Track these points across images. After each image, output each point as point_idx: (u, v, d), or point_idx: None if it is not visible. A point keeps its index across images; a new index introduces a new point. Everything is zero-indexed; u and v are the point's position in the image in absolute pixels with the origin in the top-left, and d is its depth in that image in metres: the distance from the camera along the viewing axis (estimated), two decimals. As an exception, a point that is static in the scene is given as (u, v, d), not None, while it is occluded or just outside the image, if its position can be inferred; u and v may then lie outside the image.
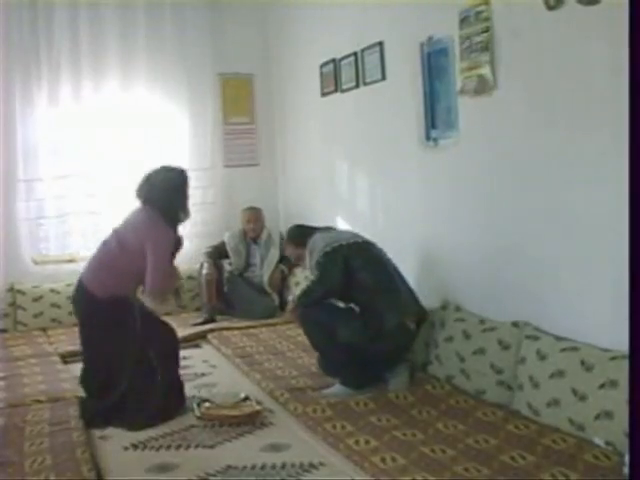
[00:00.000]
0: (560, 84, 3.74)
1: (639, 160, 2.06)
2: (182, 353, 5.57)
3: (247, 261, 6.86)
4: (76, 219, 6.89)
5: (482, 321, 4.27)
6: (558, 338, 3.73)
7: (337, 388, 4.31)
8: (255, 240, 6.90)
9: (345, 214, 6.16)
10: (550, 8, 3.68)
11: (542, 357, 3.68)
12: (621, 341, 3.27)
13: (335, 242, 4.53)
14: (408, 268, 4.51)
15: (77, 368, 5.19)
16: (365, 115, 5.76)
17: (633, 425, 1.99)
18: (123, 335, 4.15)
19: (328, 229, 4.96)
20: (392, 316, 4.29)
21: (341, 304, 4.59)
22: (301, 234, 4.88)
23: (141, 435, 3.84)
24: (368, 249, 4.58)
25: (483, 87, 4.26)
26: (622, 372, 3.20)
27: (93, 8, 6.77)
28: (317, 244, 4.58)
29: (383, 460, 3.26)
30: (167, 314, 6.76)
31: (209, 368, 5.21)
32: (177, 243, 4.40)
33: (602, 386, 3.30)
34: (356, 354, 4.32)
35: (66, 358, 5.45)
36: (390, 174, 5.46)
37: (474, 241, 4.54)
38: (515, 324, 4.02)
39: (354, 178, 6.05)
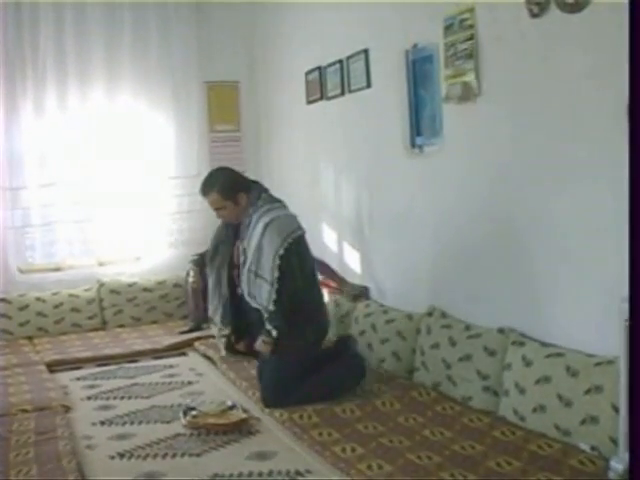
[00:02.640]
0: (544, 91, 3.76)
1: (639, 161, 2.08)
2: (168, 361, 5.62)
3: (233, 269, 6.86)
4: (62, 227, 6.85)
5: (468, 327, 4.28)
6: (543, 344, 3.75)
7: None
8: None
9: (330, 220, 6.16)
10: (534, 16, 3.71)
11: (528, 363, 3.69)
12: (606, 347, 3.31)
13: (296, 228, 4.35)
14: (393, 273, 4.52)
15: (63, 377, 5.22)
16: (350, 122, 5.77)
17: (633, 426, 2.00)
18: None
19: (264, 192, 4.52)
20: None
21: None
22: (234, 184, 4.47)
23: (127, 444, 3.83)
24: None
25: (468, 94, 4.28)
26: (607, 377, 3.23)
27: (78, 17, 6.75)
28: (275, 224, 4.26)
29: (370, 467, 3.25)
30: (153, 322, 6.82)
31: (195, 376, 5.19)
32: None
33: (587, 392, 3.31)
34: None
35: (52, 367, 5.43)
36: (375, 181, 5.47)
37: (459, 247, 4.55)
38: (501, 330, 4.03)
39: (340, 185, 6.06)
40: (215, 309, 4.78)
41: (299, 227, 4.39)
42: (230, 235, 4.66)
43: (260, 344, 4.36)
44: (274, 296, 4.20)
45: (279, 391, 4.19)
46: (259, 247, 4.25)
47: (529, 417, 3.59)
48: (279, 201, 4.51)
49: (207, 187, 4.51)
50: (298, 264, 4.28)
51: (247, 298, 4.39)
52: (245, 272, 4.35)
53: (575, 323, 3.66)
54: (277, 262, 4.19)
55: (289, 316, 4.24)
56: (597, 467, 3.07)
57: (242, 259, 4.44)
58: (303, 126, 6.64)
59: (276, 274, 4.19)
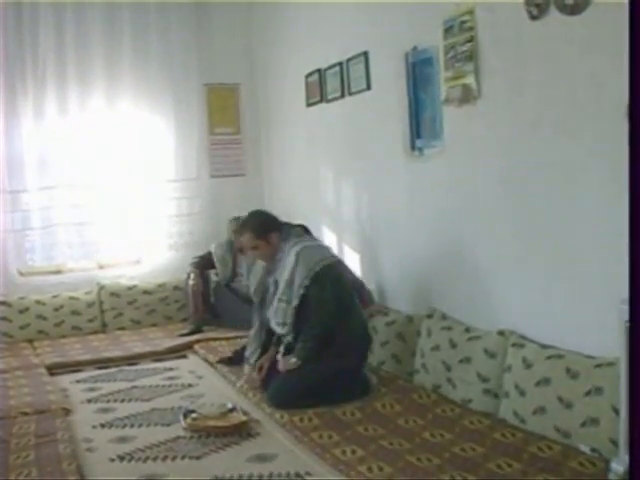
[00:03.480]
0: (543, 93, 3.76)
1: (639, 161, 2.08)
2: (168, 364, 5.62)
3: (233, 271, 6.86)
4: (62, 230, 6.85)
5: (468, 329, 4.28)
6: (543, 346, 3.75)
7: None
8: (242, 250, 6.90)
9: (331, 223, 6.16)
10: (533, 18, 3.71)
11: (528, 365, 3.69)
12: (606, 348, 3.30)
13: (325, 257, 4.40)
14: (393, 275, 4.52)
15: (63, 380, 5.22)
16: (350, 125, 5.77)
17: (633, 427, 2.00)
18: None
19: (294, 229, 4.60)
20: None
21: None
22: (265, 225, 4.54)
23: (127, 447, 3.83)
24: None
25: (467, 96, 4.28)
26: (607, 379, 3.23)
27: (79, 21, 6.77)
28: (305, 252, 4.33)
29: (370, 469, 3.25)
30: (153, 325, 6.82)
31: (195, 379, 5.19)
32: None
33: (588, 393, 3.31)
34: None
35: (52, 370, 5.43)
36: (375, 183, 5.47)
37: (459, 249, 4.55)
38: (501, 332, 4.02)
39: (340, 187, 6.06)
40: (253, 351, 4.78)
41: (329, 256, 4.43)
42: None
43: (286, 363, 4.36)
44: (290, 320, 4.32)
45: (294, 394, 4.20)
46: (291, 276, 4.31)
47: (529, 419, 3.59)
48: (310, 234, 4.59)
49: (242, 228, 4.66)
50: (329, 293, 4.29)
51: (274, 327, 4.46)
52: (276, 301, 4.40)
53: (575, 325, 3.65)
54: (301, 292, 4.25)
55: (323, 343, 4.28)
56: (597, 469, 3.07)
57: (272, 289, 4.50)
58: (303, 129, 6.65)
59: (295, 302, 4.27)
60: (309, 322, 4.27)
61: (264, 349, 4.68)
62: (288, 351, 4.40)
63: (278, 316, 4.39)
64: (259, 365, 4.61)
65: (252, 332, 4.83)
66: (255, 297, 4.87)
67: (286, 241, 4.46)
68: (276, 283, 4.46)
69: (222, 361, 5.37)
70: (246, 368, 4.74)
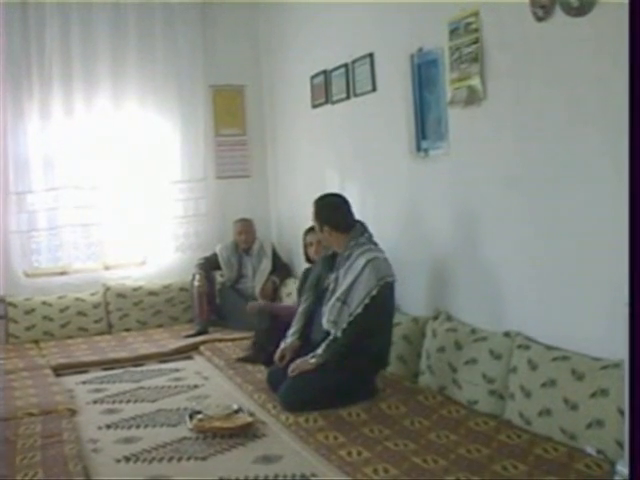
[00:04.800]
0: (549, 94, 3.76)
1: (639, 162, 2.08)
2: (174, 365, 5.63)
3: (239, 272, 6.87)
4: (68, 231, 6.87)
5: (473, 331, 4.28)
6: (549, 347, 3.74)
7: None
8: (247, 251, 6.92)
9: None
10: (539, 19, 3.71)
11: (533, 367, 3.68)
12: (611, 350, 3.30)
13: (390, 274, 4.36)
14: (399, 277, 4.52)
15: (69, 381, 5.23)
16: (356, 126, 5.77)
17: (633, 428, 2.00)
18: None
19: (366, 232, 4.55)
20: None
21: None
22: (349, 220, 4.53)
23: (133, 448, 3.84)
24: None
25: (473, 98, 4.28)
26: (613, 381, 3.22)
27: (84, 22, 6.79)
28: (375, 263, 4.29)
29: (375, 471, 3.25)
30: (159, 326, 6.84)
31: (201, 380, 5.20)
32: None
33: (593, 395, 3.30)
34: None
35: (58, 371, 5.45)
36: (381, 185, 5.47)
37: (465, 250, 4.55)
38: (506, 334, 4.03)
39: (345, 189, 6.04)
40: (295, 331, 4.72)
41: (392, 274, 4.40)
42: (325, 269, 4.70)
43: (302, 363, 4.33)
44: (344, 325, 4.25)
45: (305, 398, 4.18)
46: (355, 281, 4.27)
47: (535, 421, 3.59)
48: (377, 244, 4.53)
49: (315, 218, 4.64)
50: (381, 309, 4.29)
51: (326, 324, 4.38)
52: (333, 300, 4.34)
53: (581, 326, 3.65)
54: (366, 301, 4.22)
55: (352, 351, 4.26)
56: (603, 471, 3.07)
57: (332, 286, 4.46)
58: (308, 130, 6.65)
59: (359, 310, 4.22)
60: (344, 330, 4.25)
61: (301, 335, 4.65)
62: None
63: (332, 314, 4.32)
64: (281, 354, 4.57)
65: (300, 310, 4.76)
66: (313, 277, 4.81)
67: (356, 241, 4.42)
68: (336, 280, 4.41)
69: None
70: (282, 344, 4.65)
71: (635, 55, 2.11)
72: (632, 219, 2.14)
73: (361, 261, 4.30)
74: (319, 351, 4.28)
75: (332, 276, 4.49)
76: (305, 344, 4.57)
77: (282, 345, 4.63)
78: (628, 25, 2.21)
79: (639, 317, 2.08)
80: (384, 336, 4.40)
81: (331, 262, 4.61)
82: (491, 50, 4.14)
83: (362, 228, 4.53)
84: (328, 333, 4.33)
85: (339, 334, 4.25)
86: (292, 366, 4.36)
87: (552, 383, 3.53)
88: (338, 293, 4.32)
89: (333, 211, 4.56)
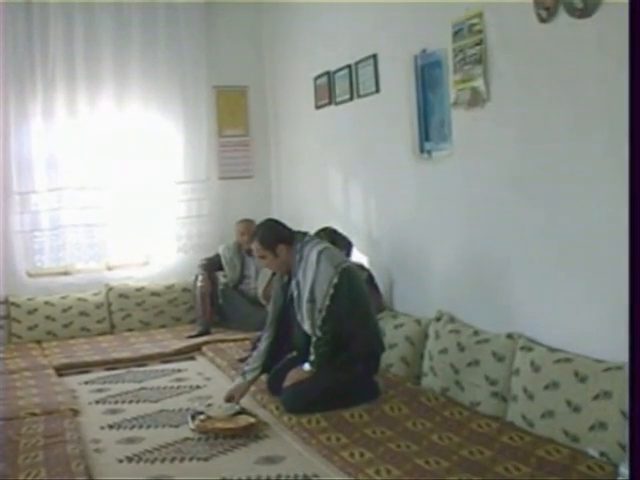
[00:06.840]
0: (553, 96, 3.76)
1: (639, 162, 2.07)
2: (177, 365, 5.63)
3: (242, 273, 6.87)
4: (71, 231, 6.87)
5: (476, 332, 4.28)
6: (552, 349, 3.74)
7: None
8: (250, 252, 6.88)
9: (339, 226, 6.14)
10: (542, 21, 3.71)
11: (536, 368, 3.68)
12: (614, 352, 3.30)
13: (344, 260, 4.38)
14: (402, 279, 4.52)
15: (72, 381, 5.23)
16: (359, 127, 5.78)
17: (633, 430, 2.00)
18: None
19: (306, 234, 4.53)
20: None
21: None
22: (274, 236, 4.41)
23: (135, 448, 3.84)
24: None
25: (476, 99, 4.28)
26: (616, 383, 3.22)
27: (88, 22, 6.80)
28: (328, 252, 4.27)
29: (377, 472, 3.25)
30: (161, 326, 6.84)
31: (204, 380, 5.20)
32: None
33: (596, 397, 3.30)
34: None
35: (61, 371, 5.45)
36: (384, 186, 5.47)
37: (468, 252, 4.55)
38: (509, 335, 4.02)
39: (348, 190, 6.07)
40: (253, 369, 4.56)
41: (347, 260, 4.39)
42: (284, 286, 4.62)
43: (297, 373, 4.30)
44: (319, 323, 4.22)
45: (307, 400, 4.15)
46: (315, 275, 4.24)
47: (537, 422, 3.58)
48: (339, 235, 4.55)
49: (253, 235, 4.57)
50: (348, 295, 4.24)
51: (307, 329, 4.32)
52: (304, 303, 4.30)
53: (584, 328, 3.65)
54: (331, 292, 4.18)
55: (336, 348, 4.25)
56: (606, 473, 3.07)
57: (296, 293, 4.39)
58: (312, 131, 6.65)
59: (327, 302, 4.19)
60: (321, 327, 4.22)
61: (264, 369, 4.54)
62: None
63: (307, 317, 4.28)
64: (229, 395, 4.41)
65: (262, 347, 4.60)
66: (272, 311, 4.68)
67: (305, 244, 4.37)
68: (298, 285, 4.36)
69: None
70: (237, 379, 4.56)
71: (635, 55, 2.10)
72: (632, 219, 2.13)
73: (314, 254, 4.27)
74: (312, 357, 4.26)
75: (293, 283, 4.41)
76: (287, 349, 4.57)
77: (237, 381, 4.54)
78: (628, 25, 2.20)
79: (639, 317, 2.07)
80: (365, 321, 4.35)
81: (286, 280, 4.55)
82: (495, 51, 4.14)
83: (301, 233, 4.51)
84: (309, 336, 4.32)
85: (319, 333, 4.23)
86: (288, 379, 4.32)
87: (555, 385, 3.53)
88: (305, 295, 4.28)
89: (269, 230, 4.49)
